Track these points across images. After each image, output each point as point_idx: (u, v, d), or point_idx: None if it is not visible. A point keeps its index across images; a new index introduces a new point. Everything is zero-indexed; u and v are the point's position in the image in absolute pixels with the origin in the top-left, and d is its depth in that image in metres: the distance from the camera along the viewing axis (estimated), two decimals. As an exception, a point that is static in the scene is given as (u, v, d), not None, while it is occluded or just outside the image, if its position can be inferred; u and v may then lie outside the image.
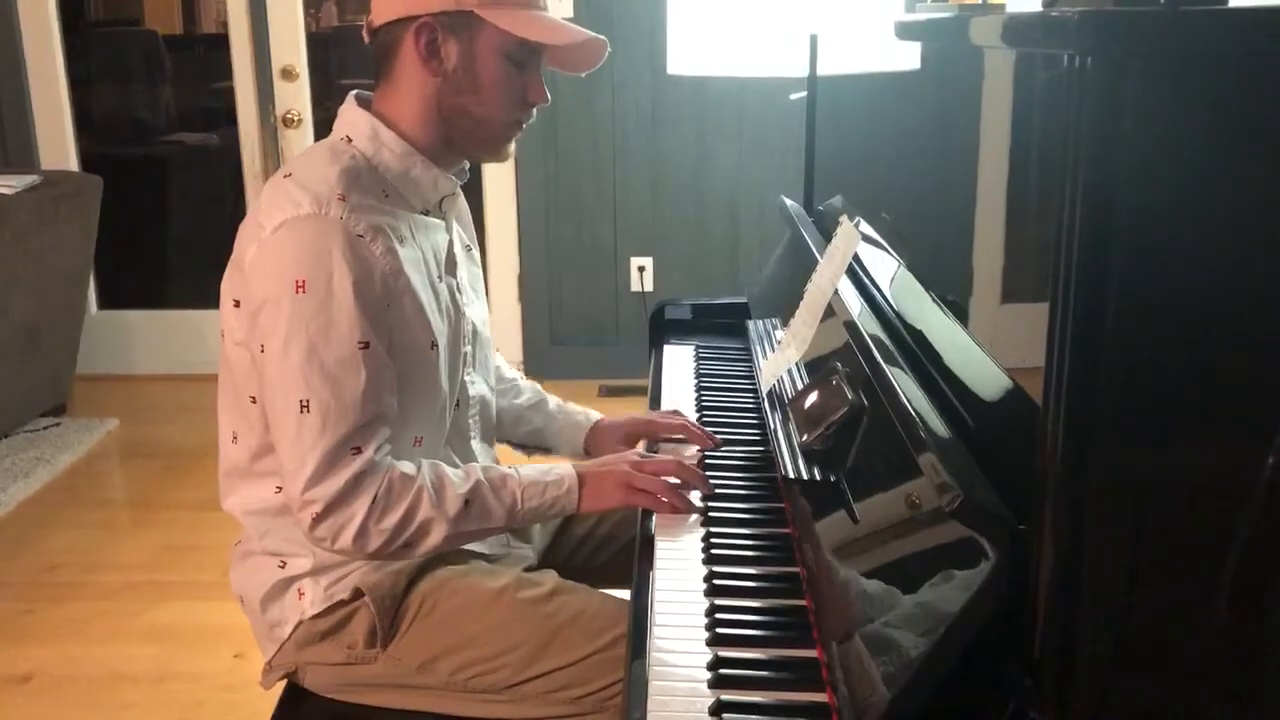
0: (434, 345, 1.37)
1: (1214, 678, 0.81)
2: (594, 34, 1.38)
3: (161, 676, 2.37)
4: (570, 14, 3.44)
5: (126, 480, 3.51)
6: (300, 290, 1.24)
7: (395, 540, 1.29)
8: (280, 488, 1.37)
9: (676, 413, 1.62)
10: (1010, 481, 0.91)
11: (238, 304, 1.32)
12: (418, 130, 1.37)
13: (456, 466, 1.40)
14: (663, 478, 1.38)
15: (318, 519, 1.26)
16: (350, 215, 1.27)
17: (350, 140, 1.36)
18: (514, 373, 1.69)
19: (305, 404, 1.25)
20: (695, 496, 1.39)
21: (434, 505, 1.30)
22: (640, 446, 1.56)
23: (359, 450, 1.27)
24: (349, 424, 1.26)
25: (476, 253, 1.56)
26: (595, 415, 1.66)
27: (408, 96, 1.36)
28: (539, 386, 1.70)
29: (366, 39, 1.39)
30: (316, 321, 1.25)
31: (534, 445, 1.68)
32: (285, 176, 1.31)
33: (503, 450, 1.66)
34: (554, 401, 1.69)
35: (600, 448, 1.62)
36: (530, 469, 1.39)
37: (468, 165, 1.46)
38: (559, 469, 1.38)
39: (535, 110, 1.40)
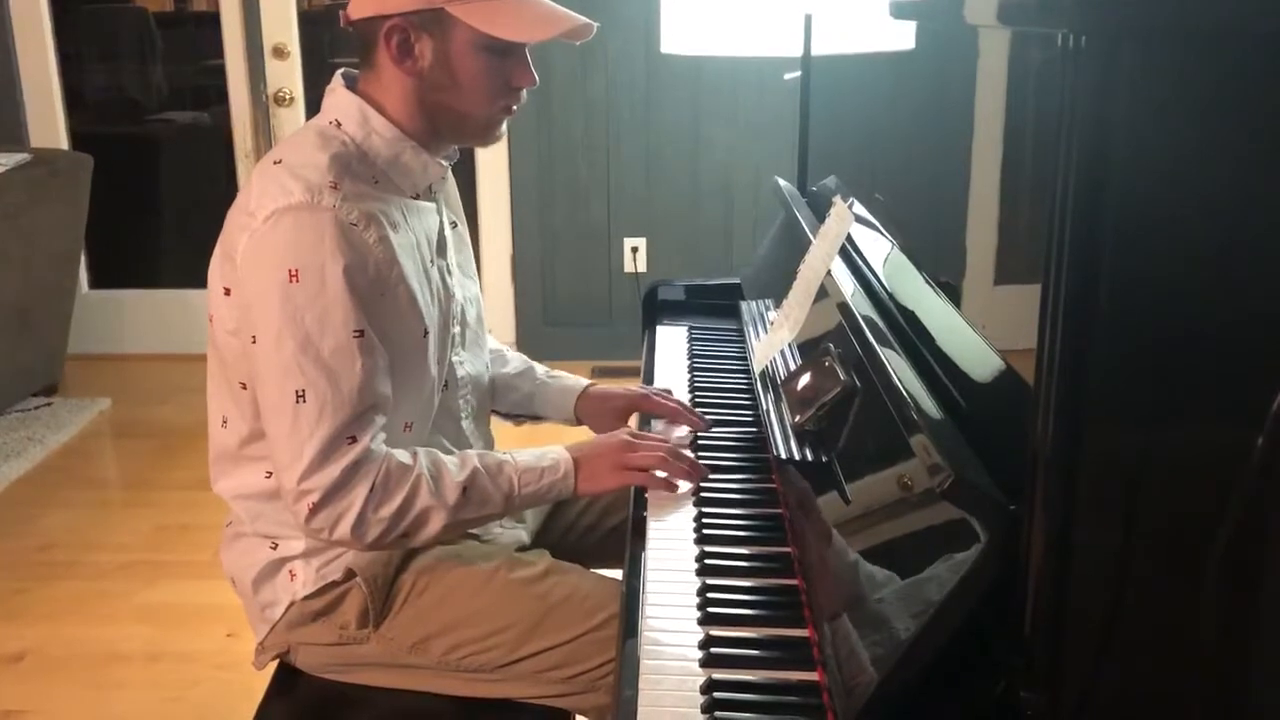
0: (425, 333, 1.36)
1: (1203, 657, 0.81)
2: (575, 20, 1.33)
3: (155, 656, 2.37)
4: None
5: (119, 460, 3.51)
6: (294, 280, 1.23)
7: (394, 529, 1.29)
8: (270, 473, 1.36)
9: (668, 392, 1.62)
10: (1002, 462, 0.91)
11: (228, 292, 1.31)
12: (404, 120, 1.34)
13: (447, 449, 1.40)
14: (656, 456, 1.38)
15: (315, 509, 1.26)
16: (343, 204, 1.25)
17: (339, 125, 1.34)
18: (500, 344, 1.69)
19: (301, 394, 1.24)
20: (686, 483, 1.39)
21: (432, 493, 1.29)
22: (632, 422, 1.57)
23: (354, 439, 1.26)
24: (346, 414, 1.25)
25: (464, 229, 1.55)
26: (585, 381, 1.66)
27: (390, 89, 1.34)
28: (525, 356, 1.70)
29: (343, 23, 1.36)
30: (311, 311, 1.23)
31: (523, 414, 1.67)
32: (275, 163, 1.29)
33: (494, 421, 1.66)
34: (542, 369, 1.69)
35: (592, 417, 1.62)
36: (525, 454, 1.38)
37: (457, 148, 1.45)
38: (553, 453, 1.38)
39: (525, 93, 1.37)
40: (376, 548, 1.33)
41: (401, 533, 1.30)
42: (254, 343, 1.26)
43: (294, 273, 1.23)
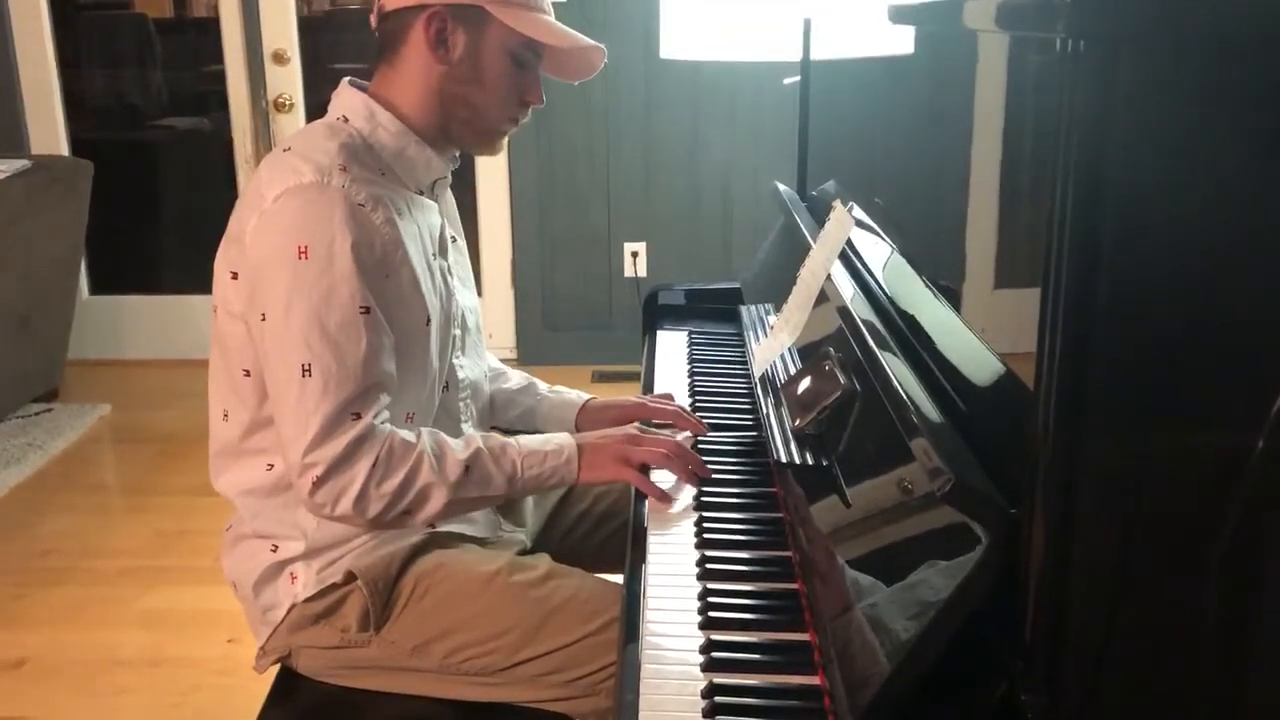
0: (428, 320, 1.38)
1: (1203, 660, 0.81)
2: (596, 43, 1.42)
3: (156, 661, 2.37)
4: (563, -2, 3.42)
5: (119, 465, 3.51)
6: (303, 256, 1.25)
7: (395, 505, 1.29)
8: (272, 465, 1.37)
9: (669, 397, 1.63)
10: (1002, 466, 0.91)
11: (235, 276, 1.33)
12: (416, 114, 1.39)
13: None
14: (660, 451, 1.38)
15: (318, 482, 1.27)
16: (351, 185, 1.29)
17: (346, 120, 1.38)
18: (500, 363, 1.70)
19: (307, 368, 1.26)
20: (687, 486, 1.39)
21: (434, 471, 1.30)
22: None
23: (359, 415, 1.27)
24: (350, 389, 1.27)
25: (463, 244, 1.58)
26: (585, 396, 1.67)
27: (410, 81, 1.38)
28: (526, 374, 1.71)
29: (374, 22, 1.41)
30: (319, 286, 1.26)
31: (524, 429, 1.68)
32: (285, 151, 1.33)
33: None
34: (543, 385, 1.70)
35: (592, 429, 1.62)
36: (530, 438, 1.40)
37: (458, 153, 1.48)
38: (558, 438, 1.39)
39: (530, 111, 1.44)
40: (378, 525, 1.33)
41: (403, 509, 1.30)
42: (263, 320, 1.28)
43: (303, 249, 1.25)
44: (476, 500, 1.36)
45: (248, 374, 1.35)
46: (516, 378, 1.69)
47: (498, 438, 1.39)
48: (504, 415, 1.66)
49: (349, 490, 1.27)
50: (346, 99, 1.40)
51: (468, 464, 1.33)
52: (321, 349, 1.26)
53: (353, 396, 1.27)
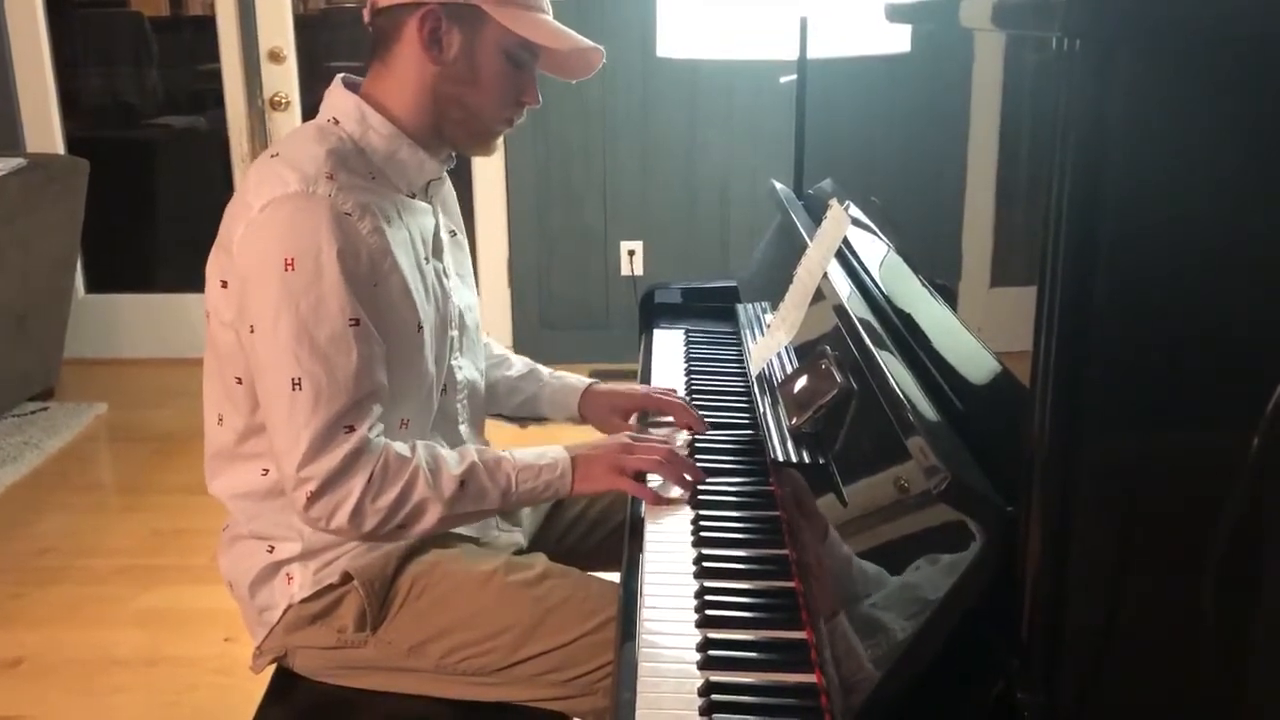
0: (420, 327, 1.37)
1: (1199, 659, 0.82)
2: (594, 44, 1.40)
3: (152, 660, 2.37)
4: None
5: (115, 464, 3.50)
6: (289, 268, 1.24)
7: (391, 520, 1.29)
8: (267, 470, 1.37)
9: (672, 391, 1.62)
10: (999, 464, 0.91)
11: (224, 284, 1.32)
12: (408, 115, 1.37)
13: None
14: (653, 459, 1.38)
15: (313, 497, 1.26)
16: (338, 193, 1.27)
17: (337, 122, 1.36)
18: (503, 349, 1.70)
19: (297, 382, 1.25)
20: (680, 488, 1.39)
21: (429, 486, 1.30)
22: (633, 421, 1.57)
23: (352, 428, 1.27)
24: (342, 402, 1.26)
25: (463, 238, 1.56)
26: (588, 380, 1.67)
27: (402, 81, 1.36)
28: (529, 360, 1.71)
29: (367, 19, 1.39)
30: (306, 299, 1.25)
31: (528, 415, 1.68)
32: (272, 156, 1.31)
33: (496, 425, 1.66)
34: (546, 371, 1.70)
35: (595, 415, 1.63)
36: (524, 452, 1.39)
37: (454, 154, 1.47)
38: (552, 451, 1.39)
39: (525, 111, 1.42)
40: (373, 538, 1.33)
41: (398, 524, 1.30)
42: (251, 332, 1.28)
43: (290, 261, 1.24)
44: (471, 514, 1.36)
45: (240, 381, 1.35)
46: (519, 364, 1.69)
47: (493, 451, 1.39)
48: (507, 403, 1.66)
49: (344, 505, 1.27)
50: (338, 100, 1.38)
51: (463, 479, 1.32)
52: (311, 363, 1.25)
53: (345, 409, 1.26)
